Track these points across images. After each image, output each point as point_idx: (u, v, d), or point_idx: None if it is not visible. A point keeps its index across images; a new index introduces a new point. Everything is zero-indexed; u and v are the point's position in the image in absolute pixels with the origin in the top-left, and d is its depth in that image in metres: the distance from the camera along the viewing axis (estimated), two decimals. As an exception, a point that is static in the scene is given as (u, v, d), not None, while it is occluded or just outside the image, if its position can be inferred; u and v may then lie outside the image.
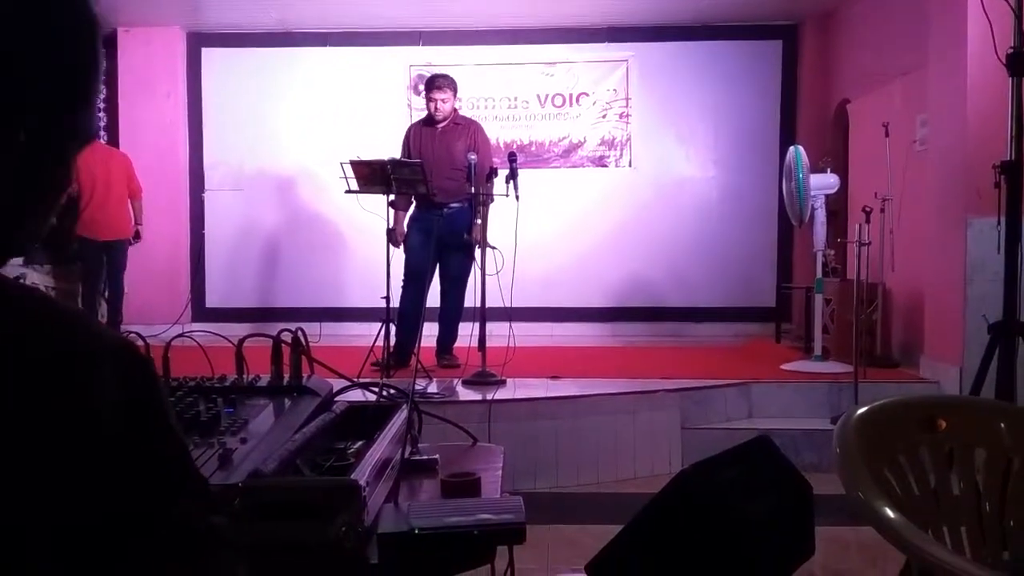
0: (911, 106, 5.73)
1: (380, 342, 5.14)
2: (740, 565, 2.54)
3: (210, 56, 7.98)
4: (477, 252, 5.07)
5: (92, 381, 0.56)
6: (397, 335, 5.27)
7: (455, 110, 5.60)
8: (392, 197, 5.33)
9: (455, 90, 5.50)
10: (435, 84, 5.43)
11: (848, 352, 5.19)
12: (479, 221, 5.14)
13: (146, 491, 0.58)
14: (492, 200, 5.17)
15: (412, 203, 5.50)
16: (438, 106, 5.40)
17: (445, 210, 5.31)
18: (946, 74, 5.09)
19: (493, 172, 5.08)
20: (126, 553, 0.57)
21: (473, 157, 5.04)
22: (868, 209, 5.35)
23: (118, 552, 0.56)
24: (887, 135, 5.73)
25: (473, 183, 5.01)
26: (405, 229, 5.49)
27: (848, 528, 3.48)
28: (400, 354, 5.21)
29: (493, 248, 5.04)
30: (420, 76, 7.51)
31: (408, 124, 6.04)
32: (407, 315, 5.33)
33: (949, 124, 5.08)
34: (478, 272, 5.01)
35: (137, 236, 6.81)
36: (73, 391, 0.55)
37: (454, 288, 5.47)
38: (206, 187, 7.98)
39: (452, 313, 5.53)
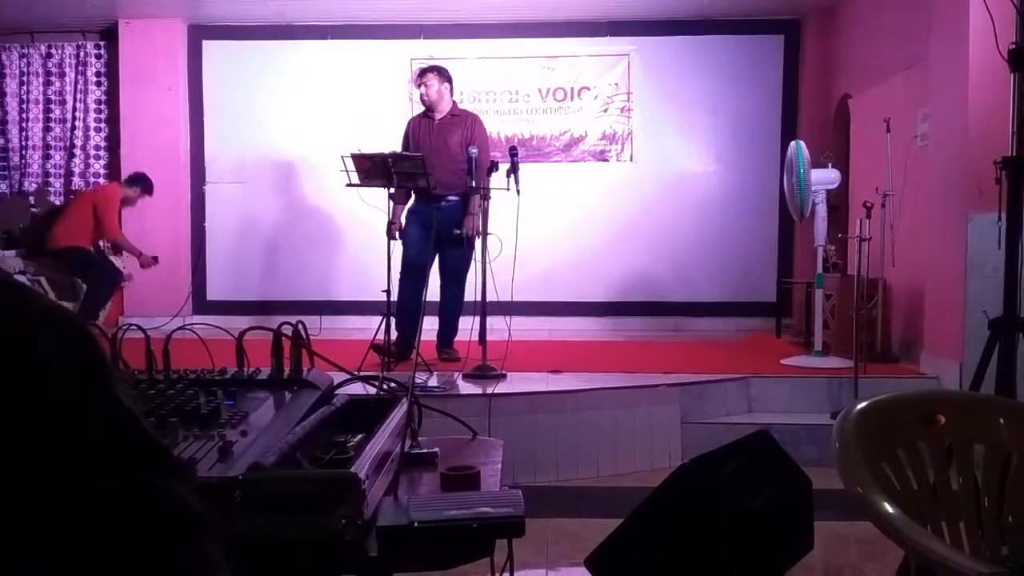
0: (912, 101, 5.72)
1: (381, 336, 5.14)
2: (740, 559, 2.54)
3: (211, 49, 7.97)
4: (478, 243, 5.08)
5: (29, 348, 0.56)
6: (398, 328, 5.28)
7: (454, 103, 5.61)
8: (392, 189, 5.33)
9: (443, 77, 5.50)
10: (421, 70, 5.56)
11: (848, 347, 5.19)
12: (473, 213, 5.18)
13: (97, 458, 0.57)
14: (489, 196, 5.15)
15: (411, 196, 5.51)
16: (421, 91, 5.48)
17: (443, 203, 5.31)
18: (948, 69, 5.09)
19: (494, 166, 5.08)
20: (77, 524, 0.55)
21: (474, 151, 5.04)
22: (869, 204, 5.35)
23: (69, 524, 0.55)
24: (888, 130, 5.73)
25: (474, 177, 5.01)
26: (403, 222, 5.49)
27: (847, 523, 3.49)
28: (401, 347, 5.21)
29: (490, 234, 5.03)
30: (421, 68, 7.50)
31: (409, 117, 6.05)
32: (406, 309, 5.33)
33: (950, 119, 5.07)
34: (478, 266, 5.01)
35: (150, 260, 6.90)
36: (10, 358, 0.55)
37: (453, 282, 5.47)
38: (207, 180, 7.98)
39: (452, 307, 5.53)
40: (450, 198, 5.34)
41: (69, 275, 6.69)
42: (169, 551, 0.59)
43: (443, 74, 5.52)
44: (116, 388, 0.60)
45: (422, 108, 5.67)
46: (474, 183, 5.01)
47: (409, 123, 5.68)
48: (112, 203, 6.77)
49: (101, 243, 7.16)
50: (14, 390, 0.54)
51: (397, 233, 5.45)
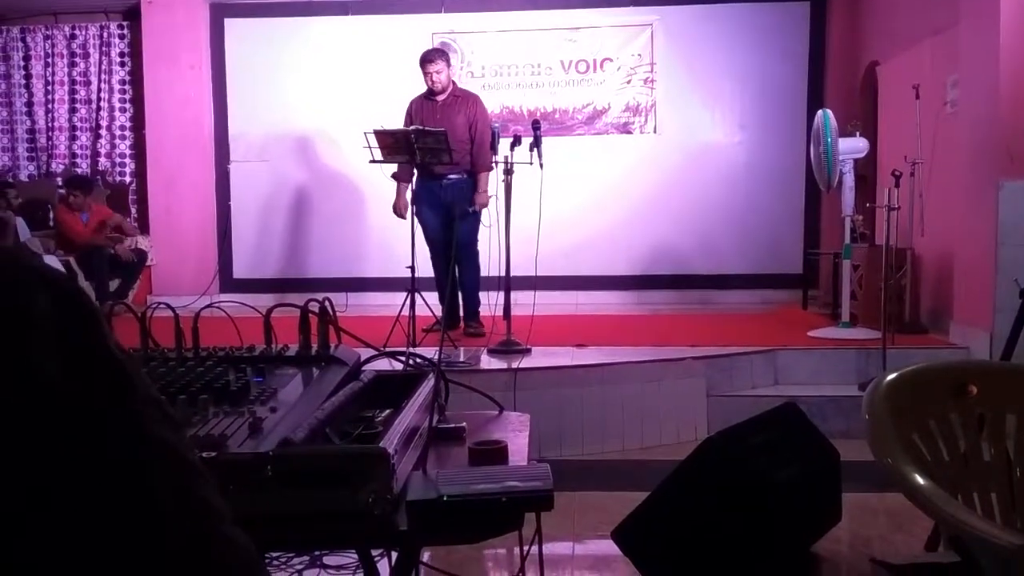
0: (942, 67, 5.62)
1: (407, 311, 5.17)
2: (767, 531, 2.54)
3: (233, 26, 7.97)
4: (490, 217, 5.16)
5: (24, 306, 0.56)
6: (442, 302, 5.45)
7: (453, 82, 5.72)
8: (396, 169, 5.57)
9: (448, 61, 5.64)
10: (427, 58, 5.59)
11: (876, 318, 5.14)
12: (483, 190, 5.42)
13: (96, 410, 0.57)
14: (512, 170, 5.18)
15: (414, 174, 5.57)
16: (434, 78, 5.53)
17: (444, 181, 5.47)
18: (978, 34, 4.99)
19: (517, 140, 5.08)
20: (74, 482, 0.56)
21: (497, 125, 5.20)
22: (898, 173, 5.28)
23: (66, 484, 0.55)
24: (917, 97, 5.63)
25: (480, 155, 5.23)
26: (408, 202, 5.57)
27: (875, 494, 3.48)
28: (448, 318, 5.34)
29: (491, 196, 5.23)
30: (444, 43, 7.46)
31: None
32: (442, 285, 5.61)
33: (981, 85, 4.98)
34: (502, 241, 5.01)
35: (128, 252, 7.28)
36: (7, 316, 0.55)
37: (466, 254, 5.53)
38: (231, 158, 8.01)
39: (469, 279, 5.62)
40: (451, 176, 5.46)
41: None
42: (161, 497, 0.60)
43: (447, 58, 5.68)
44: (111, 341, 0.61)
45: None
46: (498, 159, 5.06)
47: (411, 104, 5.74)
48: (64, 220, 7.16)
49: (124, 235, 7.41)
50: (10, 347, 0.55)
51: (406, 213, 5.56)
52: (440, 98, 5.58)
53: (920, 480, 1.63)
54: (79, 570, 0.57)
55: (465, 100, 5.62)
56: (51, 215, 7.50)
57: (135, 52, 7.98)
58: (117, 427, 0.58)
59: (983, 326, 4.88)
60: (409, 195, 5.58)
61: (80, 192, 7.16)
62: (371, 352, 1.77)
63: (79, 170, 8.06)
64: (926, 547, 2.78)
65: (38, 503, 0.55)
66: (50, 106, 8.13)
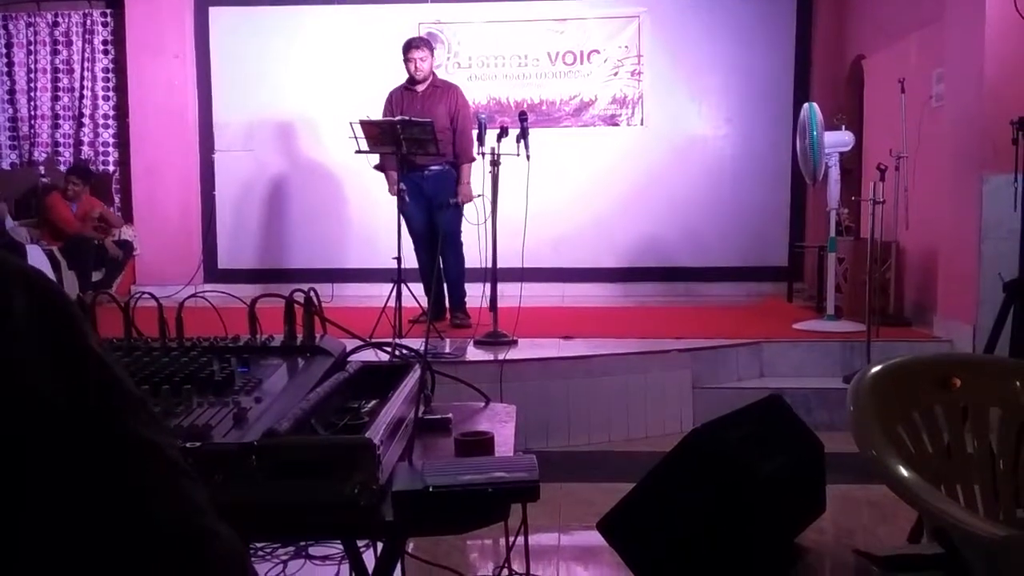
0: (927, 61, 5.65)
1: (392, 302, 5.16)
2: (751, 522, 2.55)
3: (218, 15, 7.91)
4: (477, 213, 5.16)
5: (3, 304, 0.56)
6: (428, 294, 5.48)
7: (434, 73, 5.69)
8: (378, 161, 5.57)
9: (432, 50, 5.64)
10: (412, 44, 5.58)
11: (861, 311, 5.17)
12: (466, 182, 5.45)
13: (73, 408, 0.57)
14: (499, 161, 5.18)
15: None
16: (417, 65, 5.51)
17: (426, 172, 5.47)
18: (964, 28, 5.01)
19: (504, 131, 5.07)
20: (49, 474, 0.56)
21: (484, 116, 5.13)
22: (883, 167, 5.30)
23: (42, 475, 0.56)
24: (903, 91, 5.66)
25: (476, 145, 5.10)
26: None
27: (859, 486, 3.50)
28: (435, 310, 5.45)
29: (479, 196, 5.19)
30: (430, 34, 7.43)
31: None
32: (427, 276, 5.56)
33: (966, 79, 5.00)
34: (488, 232, 5.01)
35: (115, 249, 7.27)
36: None
37: (450, 244, 5.54)
38: (216, 148, 7.95)
39: (453, 270, 5.62)
40: (433, 167, 5.46)
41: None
42: (147, 496, 0.60)
43: (431, 47, 5.67)
44: (91, 341, 0.61)
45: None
46: (483, 151, 5.04)
47: (391, 94, 5.71)
48: (55, 207, 7.14)
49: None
50: None
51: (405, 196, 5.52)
52: (420, 88, 5.55)
53: (904, 472, 1.64)
54: (69, 566, 0.56)
55: (446, 91, 5.61)
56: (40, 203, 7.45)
57: (118, 40, 7.91)
58: (102, 427, 0.58)
59: (967, 319, 4.91)
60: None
61: (81, 182, 7.20)
62: (357, 343, 1.76)
63: (61, 159, 7.99)
64: (909, 539, 2.80)
65: (26, 502, 0.55)
66: (32, 94, 8.05)
